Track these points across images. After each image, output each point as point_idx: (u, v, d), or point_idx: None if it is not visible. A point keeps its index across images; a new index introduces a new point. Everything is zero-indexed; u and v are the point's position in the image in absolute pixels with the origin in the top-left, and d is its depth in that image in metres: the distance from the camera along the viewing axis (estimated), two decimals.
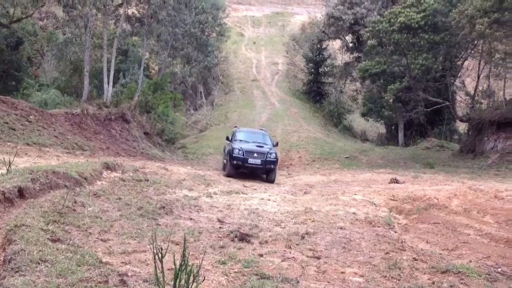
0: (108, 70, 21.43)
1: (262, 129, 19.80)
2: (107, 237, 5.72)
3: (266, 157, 16.00)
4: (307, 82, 39.94)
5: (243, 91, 38.32)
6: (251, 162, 15.86)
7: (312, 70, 39.11)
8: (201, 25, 29.17)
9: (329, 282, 4.92)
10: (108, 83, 21.41)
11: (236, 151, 15.97)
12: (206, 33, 31.39)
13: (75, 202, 7.08)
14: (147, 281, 4.36)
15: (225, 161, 17.08)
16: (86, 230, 5.82)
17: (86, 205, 7.10)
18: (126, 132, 20.43)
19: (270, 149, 16.52)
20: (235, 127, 19.43)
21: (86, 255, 4.68)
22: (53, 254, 4.48)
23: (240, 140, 17.11)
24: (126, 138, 20.15)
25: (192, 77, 33.77)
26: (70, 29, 23.97)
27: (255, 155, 16.00)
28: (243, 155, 15.91)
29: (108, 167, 11.28)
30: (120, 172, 11.35)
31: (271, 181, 16.10)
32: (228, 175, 16.05)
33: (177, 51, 28.91)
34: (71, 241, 5.16)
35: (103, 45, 22.06)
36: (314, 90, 38.83)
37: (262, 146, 16.68)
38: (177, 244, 5.77)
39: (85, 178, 9.04)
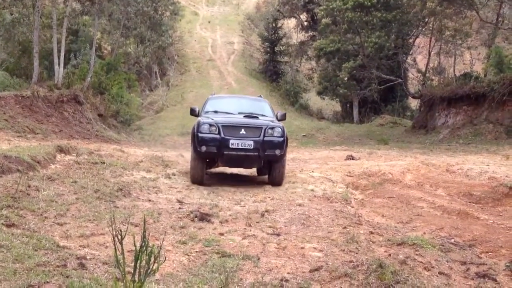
0: (59, 51, 20.74)
1: (259, 96, 12.38)
2: (64, 221, 5.60)
3: (264, 135, 9.34)
4: (263, 61, 39.93)
5: (199, 71, 37.95)
6: (235, 145, 9.18)
7: (268, 49, 39.09)
8: (154, 4, 28.53)
9: (289, 258, 4.99)
10: (59, 64, 20.74)
11: (204, 127, 9.39)
12: (160, 12, 30.75)
13: (29, 186, 6.89)
14: (106, 264, 4.31)
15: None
16: (41, 215, 5.68)
17: (40, 189, 6.93)
18: (79, 114, 19.90)
19: (271, 122, 9.87)
20: (212, 94, 12.16)
21: (42, 239, 4.58)
22: (8, 240, 4.36)
23: (216, 112, 10.51)
24: (80, 120, 19.63)
25: (146, 57, 33.14)
26: (18, 8, 22.99)
27: (243, 131, 9.32)
28: (219, 132, 9.28)
29: (61, 150, 11.01)
30: (75, 155, 11.09)
31: (277, 182, 9.72)
32: (193, 180, 9.65)
33: (130, 30, 28.27)
34: (27, 226, 5.03)
35: (52, 25, 21.30)
36: (270, 69, 38.86)
37: (255, 117, 10.10)
38: (136, 226, 5.72)
39: (38, 162, 8.80)
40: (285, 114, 10.94)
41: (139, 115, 28.97)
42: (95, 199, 6.97)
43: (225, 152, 9.19)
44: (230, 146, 9.15)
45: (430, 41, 25.06)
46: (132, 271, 3.46)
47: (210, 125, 9.39)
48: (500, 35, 25.46)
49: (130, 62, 31.63)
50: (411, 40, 27.45)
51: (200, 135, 9.36)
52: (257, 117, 10.08)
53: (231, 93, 30.28)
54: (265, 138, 9.30)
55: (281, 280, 4.28)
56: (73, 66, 24.58)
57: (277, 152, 9.33)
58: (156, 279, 4.01)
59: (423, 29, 25.74)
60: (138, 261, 3.41)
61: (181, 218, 6.58)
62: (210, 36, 45.06)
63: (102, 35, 29.84)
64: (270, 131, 9.42)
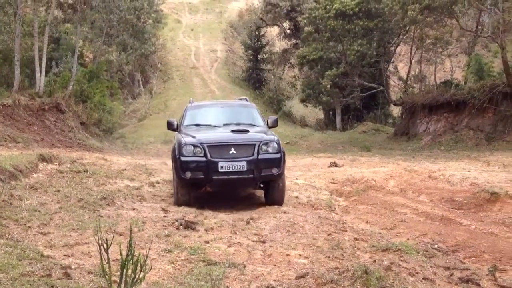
0: (40, 59, 20.55)
1: (242, 98, 11.23)
2: (47, 230, 5.55)
3: (258, 153, 8.10)
4: (246, 69, 39.99)
5: (182, 79, 37.87)
6: (225, 168, 7.95)
7: (251, 57, 39.18)
8: (136, 12, 28.43)
9: (275, 265, 5.00)
10: (40, 72, 20.55)
11: (187, 150, 8.12)
12: (142, 20, 30.63)
13: (12, 195, 6.82)
14: (91, 273, 4.28)
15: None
16: (25, 224, 5.62)
17: (23, 198, 6.85)
18: (61, 122, 19.72)
19: (265, 134, 8.66)
20: (190, 102, 10.60)
21: (26, 249, 4.53)
22: None
23: (198, 125, 9.29)
24: (62, 129, 19.45)
25: (129, 65, 32.97)
26: None
27: (233, 151, 8.06)
28: (205, 154, 8.02)
29: (44, 159, 10.90)
30: (57, 163, 10.99)
31: (277, 201, 8.50)
32: (178, 204, 8.27)
33: (113, 38, 28.10)
34: (10, 236, 4.98)
35: (33, 33, 21.10)
36: (254, 77, 38.93)
37: (245, 131, 8.65)
38: (121, 234, 5.68)
39: (21, 171, 8.71)
40: (276, 119, 9.56)
41: (122, 123, 28.78)
42: (78, 208, 6.91)
43: (214, 177, 7.93)
44: (220, 169, 7.86)
45: (411, 49, 25.37)
46: (118, 280, 3.44)
47: (194, 146, 8.05)
48: (479, 43, 25.89)
49: (112, 70, 31.43)
50: (392, 48, 27.77)
51: (183, 159, 8.04)
52: (247, 131, 8.57)
53: (215, 100, 30.19)
54: (260, 156, 8.02)
55: (267, 287, 4.29)
56: (54, 74, 24.35)
57: (275, 171, 8.08)
58: None
59: (404, 37, 26.06)
60: (124, 270, 3.39)
61: (166, 226, 6.55)
62: (193, 44, 45.05)
63: (84, 43, 29.63)
64: (264, 147, 8.13)
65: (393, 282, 4.40)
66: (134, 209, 7.62)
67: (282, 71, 39.08)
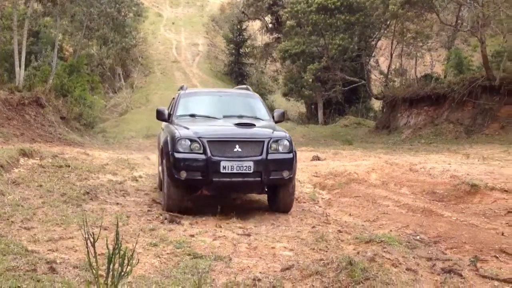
0: (19, 53, 20.24)
1: (243, 87, 9.75)
2: (31, 225, 5.51)
3: (267, 152, 6.90)
4: (229, 63, 39.93)
5: (164, 72, 37.65)
6: (228, 169, 6.73)
7: (233, 51, 39.13)
8: (117, 5, 28.17)
9: (260, 258, 5.04)
10: (20, 66, 20.24)
11: (183, 145, 6.85)
12: (123, 13, 30.34)
13: None
14: (77, 267, 4.26)
15: (161, 173, 7.92)
16: (7, 219, 5.57)
17: (5, 193, 6.79)
18: (41, 117, 19.45)
19: (274, 130, 7.35)
20: (181, 88, 9.17)
21: (10, 244, 4.50)
22: None
23: (193, 116, 8.04)
24: (42, 123, 19.18)
25: (109, 59, 32.67)
26: None
27: (237, 148, 6.83)
28: (204, 151, 6.77)
29: (25, 153, 10.77)
30: (38, 158, 10.87)
31: (284, 208, 7.45)
32: (170, 210, 7.08)
33: (93, 32, 27.81)
34: None
35: (12, 26, 20.77)
36: (236, 71, 38.90)
37: (251, 125, 7.41)
38: (105, 229, 5.66)
39: (1, 166, 8.60)
40: (283, 113, 8.35)
41: (103, 117, 28.53)
42: (61, 202, 6.87)
43: (214, 179, 6.66)
44: (222, 170, 6.62)
45: (392, 43, 25.58)
46: (105, 274, 3.44)
47: (191, 140, 6.75)
48: (459, 37, 26.19)
49: (93, 64, 31.12)
50: (373, 42, 27.95)
51: (177, 155, 6.72)
52: (252, 125, 7.32)
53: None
54: (269, 156, 6.80)
55: (254, 279, 4.32)
56: (34, 68, 24.03)
57: (285, 174, 6.91)
58: (129, 282, 3.98)
59: (385, 31, 26.24)
60: (111, 264, 3.39)
61: (150, 220, 6.55)
62: (174, 37, 44.77)
63: (64, 36, 29.27)
64: (274, 145, 6.91)
65: (377, 273, 4.47)
66: (117, 203, 7.59)
67: (264, 65, 39.11)
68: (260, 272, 4.55)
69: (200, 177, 6.78)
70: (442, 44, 26.52)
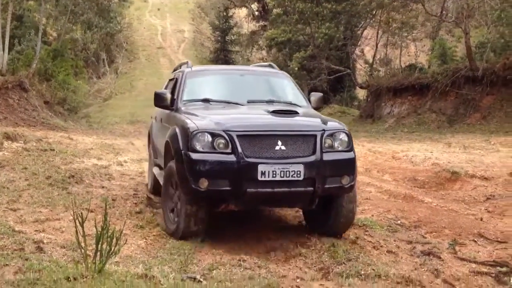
0: (3, 37, 19.96)
1: (265, 64, 7.40)
2: (17, 207, 5.54)
3: (322, 150, 4.91)
4: (214, 50, 39.73)
5: (149, 59, 37.37)
6: (268, 175, 4.69)
7: (219, 38, 38.92)
8: None
9: (245, 240, 5.13)
10: (3, 50, 19.99)
11: (200, 140, 4.82)
12: None
13: None
14: (64, 247, 4.32)
15: (157, 178, 6.52)
16: None
17: None
18: (24, 101, 19.26)
19: (324, 120, 5.37)
20: (184, 64, 7.12)
21: None
22: None
23: (206, 102, 5.93)
24: (25, 107, 19.01)
25: (94, 44, 32.31)
26: None
27: (280, 145, 4.81)
28: (234, 150, 4.74)
29: (8, 137, 10.73)
30: (22, 142, 10.83)
31: (340, 228, 5.32)
32: (182, 235, 5.01)
33: (77, 16, 27.44)
34: None
35: None
36: (222, 58, 38.72)
37: (293, 113, 5.41)
38: (91, 211, 5.68)
39: None
40: (322, 97, 6.45)
41: (87, 102, 28.28)
42: (47, 185, 6.89)
43: (249, 190, 4.69)
44: (259, 177, 4.67)
45: (378, 33, 25.69)
46: (92, 254, 3.50)
47: (214, 135, 4.80)
48: (443, 27, 26.40)
49: (77, 49, 30.77)
50: (359, 32, 28.04)
51: (194, 156, 4.75)
52: (295, 112, 5.40)
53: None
54: (324, 157, 4.90)
55: (239, 260, 4.41)
56: (17, 52, 23.72)
57: (345, 181, 4.99)
58: (116, 261, 4.05)
59: (371, 21, 26.35)
60: (100, 243, 3.45)
61: (136, 204, 6.61)
62: (159, 23, 44.40)
63: (48, 20, 28.84)
64: (329, 140, 5.02)
65: (358, 255, 4.60)
66: (103, 187, 7.62)
67: (250, 53, 39.00)
68: (245, 254, 4.64)
69: (228, 188, 4.70)
70: (426, 35, 26.71)
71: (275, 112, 5.19)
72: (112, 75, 33.81)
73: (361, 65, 30.16)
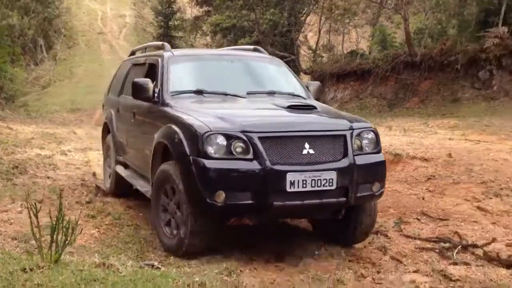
0: None
1: (251, 46, 6.85)
2: None
3: (353, 153, 4.30)
4: (157, 35, 38.96)
5: (89, 44, 36.31)
6: (297, 185, 4.01)
7: (162, 24, 38.23)
8: None
9: None
10: None
11: (214, 144, 4.03)
12: None
13: None
14: (15, 239, 4.24)
15: (126, 178, 5.94)
16: None
17: None
18: None
19: (346, 117, 4.75)
20: (157, 47, 6.44)
21: None
22: None
23: (199, 93, 5.04)
24: None
25: (31, 30, 31.06)
26: None
27: (307, 149, 4.13)
28: (257, 155, 4.00)
29: None
30: None
31: (356, 237, 4.74)
32: (188, 251, 4.22)
33: (14, 1, 26.33)
34: None
35: None
36: None
37: (310, 108, 4.77)
38: (40, 202, 5.56)
39: None
40: (320, 87, 6.00)
41: (24, 90, 27.19)
42: None
43: (275, 203, 4.03)
44: (288, 188, 4.01)
45: (320, 19, 26.04)
46: (46, 245, 3.46)
47: (230, 137, 4.06)
48: (383, 14, 27.06)
49: (14, 35, 29.40)
50: (303, 18, 28.33)
51: (209, 164, 4.00)
52: (312, 107, 4.77)
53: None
54: (357, 160, 4.30)
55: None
56: None
57: (376, 188, 4.46)
58: (70, 252, 4.02)
59: (314, 7, 26.66)
60: (55, 233, 3.42)
61: (85, 194, 6.52)
62: (99, 8, 43.12)
63: None
64: (357, 141, 4.43)
65: (309, 236, 4.76)
66: (48, 177, 7.45)
67: (194, 38, 38.63)
68: None
69: (251, 201, 4.00)
70: (367, 21, 27.31)
71: (291, 108, 4.53)
72: (51, 62, 32.67)
73: (305, 51, 30.51)
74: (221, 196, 3.92)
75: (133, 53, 7.17)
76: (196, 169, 3.99)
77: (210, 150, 3.98)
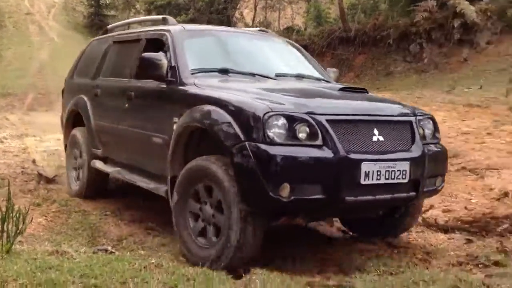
0: None
1: (257, 29, 6.31)
2: None
3: (422, 141, 3.83)
4: (88, 15, 37.72)
5: (17, 26, 34.53)
6: (372, 176, 3.46)
7: (93, 2, 37.00)
8: None
9: (150, 209, 5.22)
10: None
11: (275, 127, 3.34)
12: None
13: None
14: None
15: (116, 175, 5.21)
16: None
17: None
18: None
19: (414, 107, 4.25)
20: (164, 21, 5.07)
21: None
22: None
23: (224, 72, 4.39)
24: None
25: None
26: None
27: (377, 135, 3.60)
28: (328, 142, 3.38)
29: None
30: None
31: (396, 232, 4.35)
32: (232, 264, 3.45)
33: None
34: None
35: None
36: (97, 23, 36.84)
37: (361, 90, 4.24)
38: None
39: None
40: (338, 72, 5.71)
41: None
42: None
43: (348, 198, 3.46)
44: (363, 180, 3.47)
45: None
46: None
47: (293, 119, 3.42)
48: None
49: None
50: None
51: (273, 151, 3.32)
52: (364, 90, 4.28)
53: (56, 49, 28.28)
54: (428, 150, 3.88)
55: (146, 229, 4.52)
56: None
57: (438, 182, 4.06)
58: (19, 241, 3.97)
59: None
60: (6, 223, 3.39)
61: (27, 181, 6.38)
62: None
63: None
64: (421, 129, 3.94)
65: None
66: None
67: (128, 17, 37.65)
68: (151, 223, 4.75)
69: (321, 196, 3.38)
70: None
71: (344, 91, 4.07)
72: None
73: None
74: (286, 190, 3.28)
75: (106, 31, 6.44)
76: (256, 156, 3.30)
77: (272, 134, 3.34)
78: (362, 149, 3.50)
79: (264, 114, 3.33)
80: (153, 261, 3.28)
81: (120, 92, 5.01)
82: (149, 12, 28.29)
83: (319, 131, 3.38)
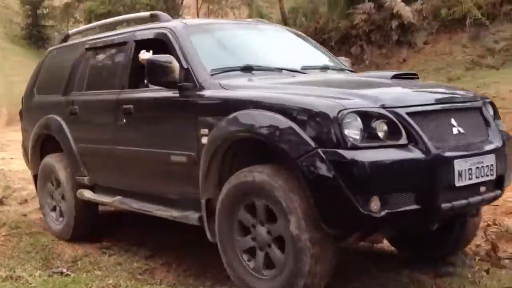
0: None
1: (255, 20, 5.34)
2: None
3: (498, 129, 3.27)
4: (26, 26, 36.65)
5: None
6: (466, 175, 2.87)
7: (29, 13, 35.99)
8: None
9: (106, 228, 5.19)
10: None
11: (352, 126, 2.70)
12: None
13: None
14: None
15: (118, 205, 4.28)
16: None
17: None
18: None
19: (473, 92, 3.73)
20: (156, 17, 4.33)
21: None
22: None
23: (248, 70, 3.62)
24: None
25: None
26: None
27: (456, 126, 2.98)
28: (412, 139, 2.75)
29: None
30: None
31: (458, 246, 3.76)
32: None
33: None
34: None
35: None
36: (35, 35, 35.93)
37: (411, 76, 3.57)
38: None
39: None
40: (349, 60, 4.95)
41: None
42: None
43: (444, 206, 2.79)
44: (457, 182, 2.86)
45: (197, 1, 26.18)
46: None
47: (369, 116, 2.77)
48: None
49: None
50: (180, 1, 28.23)
51: (358, 156, 2.65)
52: (415, 76, 3.67)
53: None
54: (507, 138, 3.37)
55: (101, 248, 4.52)
56: None
57: (508, 179, 3.32)
58: None
59: None
60: None
61: None
62: None
63: None
64: (488, 116, 3.37)
65: None
66: None
67: (66, 27, 36.78)
68: (108, 242, 4.75)
69: (416, 206, 2.76)
70: (243, 2, 27.88)
71: (398, 78, 3.47)
72: None
73: None
74: (376, 203, 2.65)
75: (67, 37, 5.54)
76: (337, 165, 2.65)
77: (352, 136, 2.70)
78: (449, 145, 2.92)
79: (338, 113, 2.70)
80: (110, 281, 3.30)
81: (110, 107, 4.21)
82: (89, 21, 27.75)
83: (402, 128, 2.78)
